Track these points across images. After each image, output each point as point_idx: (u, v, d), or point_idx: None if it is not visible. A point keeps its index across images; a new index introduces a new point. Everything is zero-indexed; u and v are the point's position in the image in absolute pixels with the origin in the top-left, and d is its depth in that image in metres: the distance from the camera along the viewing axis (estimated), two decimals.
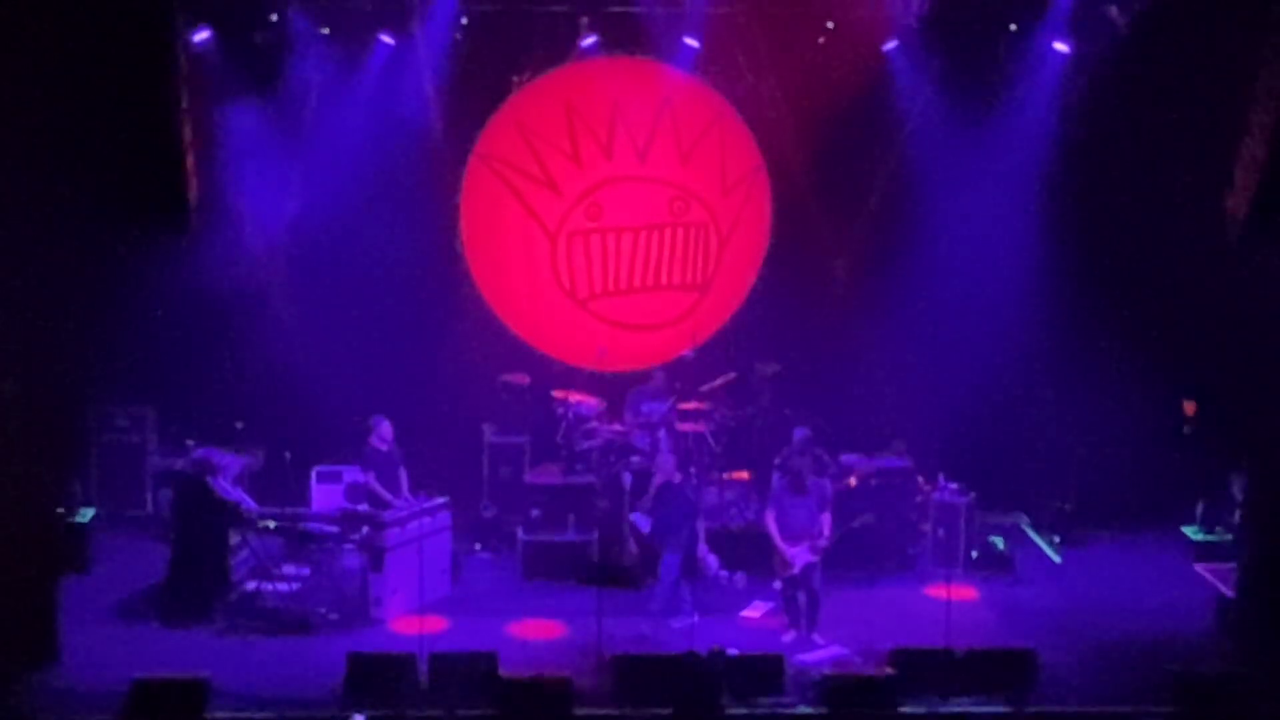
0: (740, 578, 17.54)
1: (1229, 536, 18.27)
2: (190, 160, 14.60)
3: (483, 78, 19.66)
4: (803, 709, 14.35)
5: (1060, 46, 18.65)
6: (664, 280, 20.26)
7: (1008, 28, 18.98)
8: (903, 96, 19.60)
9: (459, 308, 20.18)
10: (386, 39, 18.96)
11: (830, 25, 19.30)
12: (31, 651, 14.76)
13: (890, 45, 19.29)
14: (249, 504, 17.11)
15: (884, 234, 20.04)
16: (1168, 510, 19.05)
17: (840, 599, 16.68)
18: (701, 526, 16.84)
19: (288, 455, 17.52)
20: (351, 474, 18.11)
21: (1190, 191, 16.82)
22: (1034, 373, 19.75)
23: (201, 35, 17.77)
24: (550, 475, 18.83)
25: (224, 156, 18.44)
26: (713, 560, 17.38)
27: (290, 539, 17.01)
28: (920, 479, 18.64)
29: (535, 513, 18.24)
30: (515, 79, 19.81)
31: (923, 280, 19.48)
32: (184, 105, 14.43)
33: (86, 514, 18.12)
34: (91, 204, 14.11)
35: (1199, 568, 18.00)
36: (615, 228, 20.05)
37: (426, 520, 16.95)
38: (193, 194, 14.79)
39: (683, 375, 19.44)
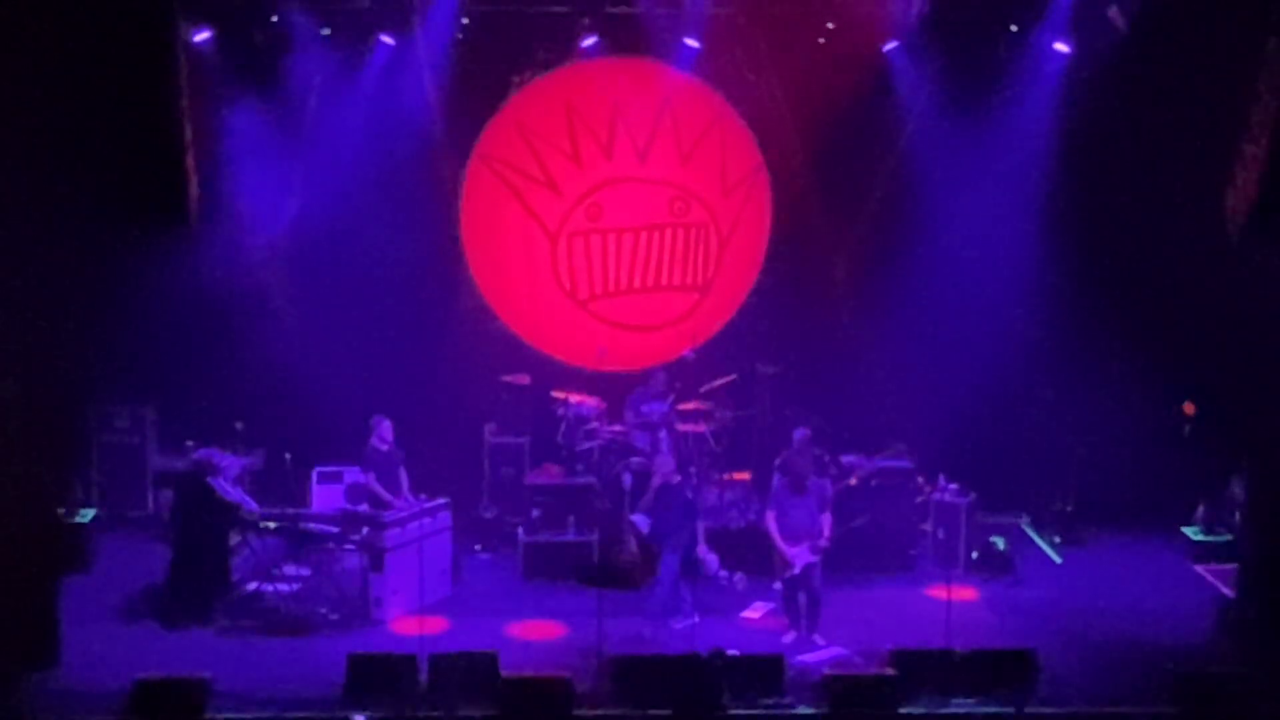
0: (740, 578, 17.55)
1: (1229, 537, 18.27)
2: (190, 160, 14.60)
3: (483, 78, 19.66)
4: (803, 709, 14.34)
5: (1060, 47, 18.65)
6: (664, 281, 20.27)
7: (1008, 28, 18.99)
8: (903, 97, 19.61)
9: (459, 308, 20.18)
10: (387, 39, 18.96)
11: (830, 26, 19.30)
12: (32, 652, 14.73)
13: (890, 46, 19.30)
14: (249, 504, 17.11)
15: (884, 234, 20.04)
16: (1168, 511, 19.05)
17: (841, 599, 16.67)
18: (701, 526, 16.84)
19: (288, 456, 17.54)
20: (352, 474, 18.11)
21: (1190, 191, 16.81)
22: (1034, 373, 19.75)
23: (202, 35, 17.78)
24: (550, 476, 18.84)
25: (224, 156, 18.44)
26: (712, 559, 17.38)
27: (291, 539, 16.99)
28: (920, 479, 18.64)
29: (535, 513, 18.23)
30: (515, 79, 19.81)
31: (923, 280, 19.49)
32: (184, 105, 14.43)
33: (87, 514, 18.12)
34: (91, 204, 14.09)
35: (1199, 568, 18.01)
36: (615, 228, 20.05)
37: (427, 521, 16.96)
38: (193, 194, 14.79)
39: (683, 376, 19.45)
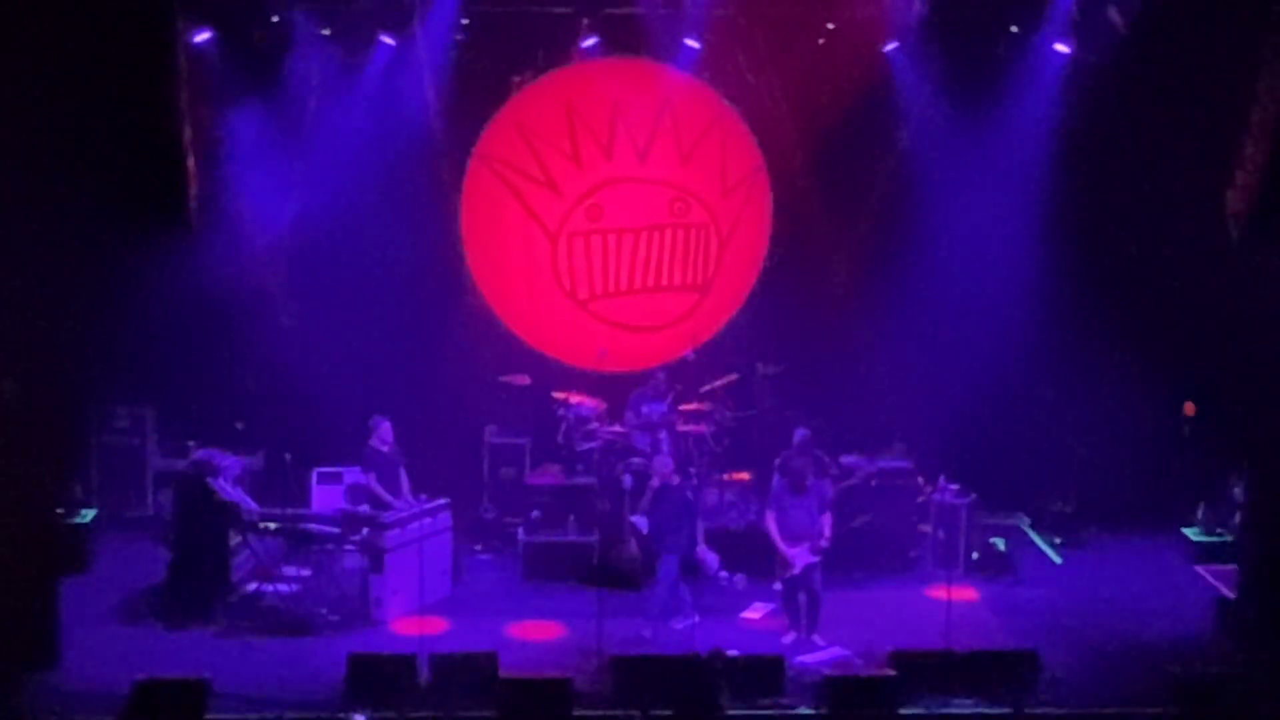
0: (741, 579, 17.54)
1: (1229, 538, 18.27)
2: (191, 160, 14.60)
3: (483, 78, 19.66)
4: (803, 710, 14.33)
5: (1060, 47, 18.65)
6: (664, 281, 20.26)
7: (1008, 29, 19.00)
8: (903, 97, 19.61)
9: (459, 308, 20.18)
10: (387, 39, 18.96)
11: (830, 26, 19.31)
12: (32, 652, 14.75)
13: (891, 46, 19.29)
14: (249, 505, 17.10)
15: (884, 234, 20.04)
16: (1168, 511, 19.06)
17: (841, 600, 16.65)
18: (700, 527, 16.83)
19: (288, 456, 17.52)
20: (352, 475, 18.09)
21: (1190, 191, 16.81)
22: (1034, 373, 19.76)
23: (202, 35, 17.78)
24: (551, 476, 18.84)
25: (225, 157, 18.46)
26: (712, 558, 17.36)
27: (291, 540, 16.99)
28: (920, 480, 18.63)
29: (536, 514, 18.25)
30: (516, 80, 19.81)
31: (923, 280, 19.49)
32: (184, 105, 14.43)
33: (87, 515, 18.13)
34: (91, 204, 14.10)
35: (1199, 569, 18.01)
36: (616, 229, 20.05)
37: (427, 521, 16.95)
38: (193, 194, 14.79)
39: (683, 376, 19.45)
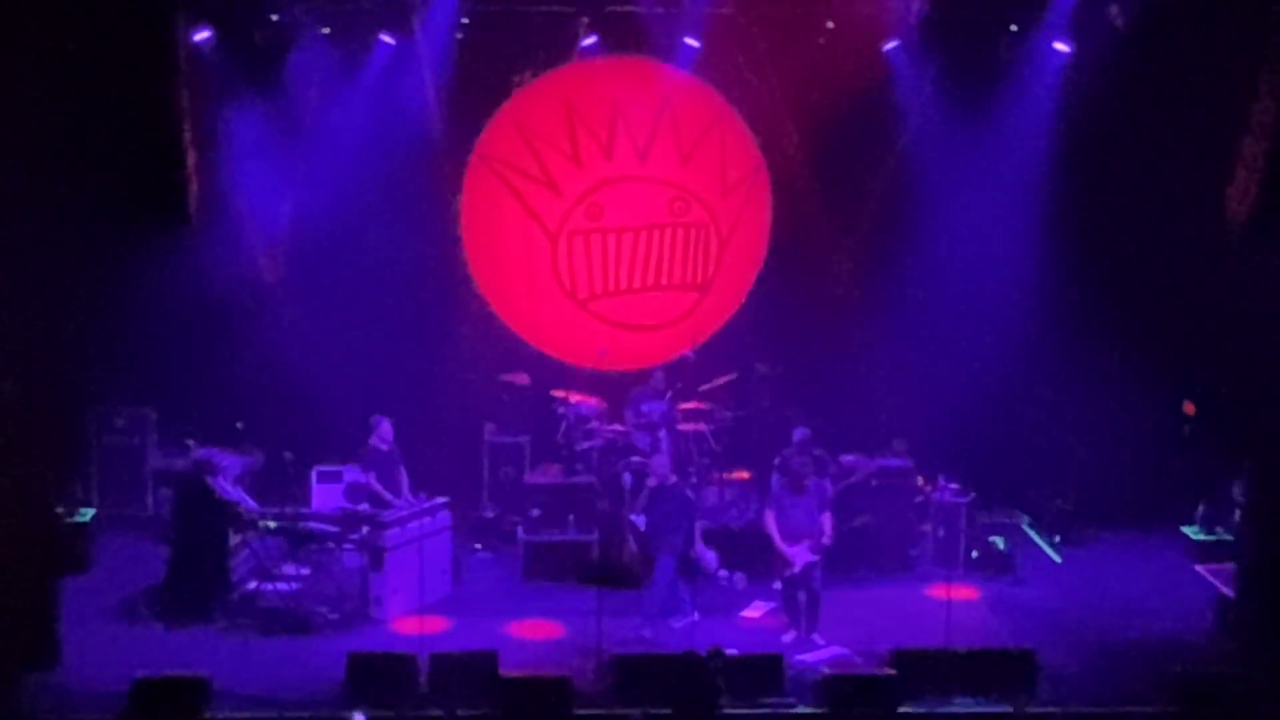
0: (740, 578, 17.55)
1: (1229, 537, 18.26)
2: (190, 160, 14.61)
3: (483, 78, 19.65)
4: (802, 709, 14.35)
5: (1060, 46, 18.66)
6: (664, 280, 20.26)
7: (1008, 28, 18.98)
8: (903, 96, 19.60)
9: (459, 308, 20.18)
10: (387, 39, 18.96)
11: (830, 25, 19.29)
12: (32, 651, 14.74)
13: (890, 45, 19.30)
14: (249, 504, 17.11)
15: (884, 233, 20.04)
16: (1168, 510, 19.05)
17: (840, 599, 16.66)
18: (699, 526, 16.83)
19: (288, 455, 17.53)
20: (352, 474, 18.10)
21: (1190, 191, 16.81)
22: (1034, 373, 19.74)
23: (202, 35, 17.77)
24: (550, 475, 18.85)
25: (224, 156, 18.44)
26: (711, 557, 17.37)
27: (290, 539, 16.99)
28: (920, 479, 18.64)
29: (535, 512, 18.25)
30: (515, 79, 19.80)
31: (922, 279, 19.51)
32: (184, 105, 14.44)
33: (87, 514, 18.12)
34: (91, 203, 14.11)
35: (1199, 568, 17.98)
36: (615, 228, 20.04)
37: (427, 520, 16.95)
38: (193, 193, 14.81)
39: (683, 375, 19.44)
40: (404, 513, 16.86)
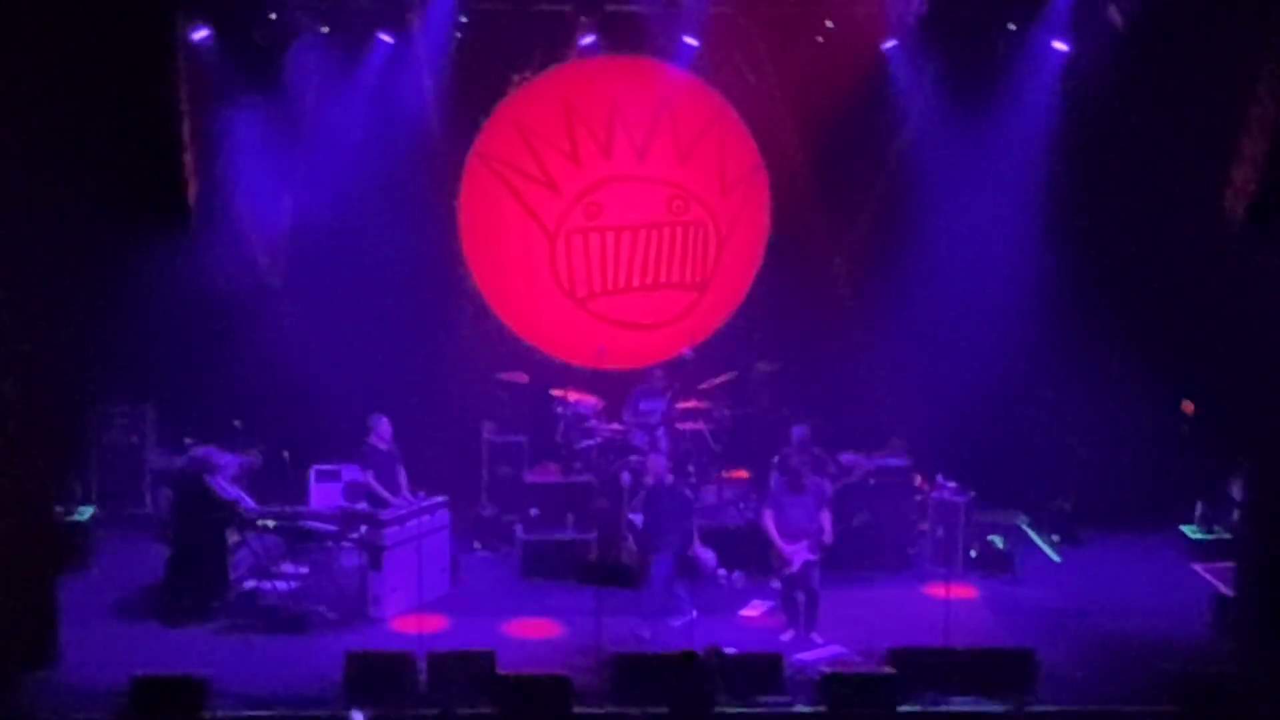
0: (739, 577, 17.55)
1: (1228, 536, 18.28)
2: (189, 159, 14.60)
3: (482, 77, 19.66)
4: (801, 708, 14.34)
5: (1059, 45, 18.66)
6: (663, 279, 20.26)
7: (1006, 27, 19.00)
8: (902, 96, 19.63)
9: (458, 307, 20.18)
10: (385, 38, 18.97)
11: (829, 24, 19.31)
12: (31, 650, 14.75)
13: (889, 44, 19.31)
14: (248, 503, 17.10)
15: (883, 232, 20.05)
16: (1167, 510, 19.06)
17: (839, 598, 16.66)
18: (696, 525, 16.83)
19: (286, 454, 17.54)
20: (350, 472, 18.11)
21: (1190, 191, 16.80)
22: (1034, 372, 19.75)
23: (200, 34, 17.76)
24: (549, 474, 18.86)
25: (223, 155, 18.45)
26: (709, 556, 17.35)
27: (289, 538, 16.98)
28: (918, 478, 18.64)
29: (534, 511, 18.26)
30: (514, 78, 19.81)
31: (921, 279, 19.50)
32: (183, 104, 14.43)
33: (85, 513, 18.12)
34: (90, 202, 14.10)
35: (1198, 567, 18.01)
36: (614, 227, 20.04)
37: (425, 519, 16.95)
38: (192, 193, 14.79)
39: (682, 374, 19.45)
40: (402, 511, 16.86)
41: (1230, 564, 17.04)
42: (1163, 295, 18.53)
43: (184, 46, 16.03)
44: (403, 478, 17.58)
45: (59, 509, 17.13)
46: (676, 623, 16.08)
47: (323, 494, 18.48)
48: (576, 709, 14.03)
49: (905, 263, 19.50)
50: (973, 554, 18.13)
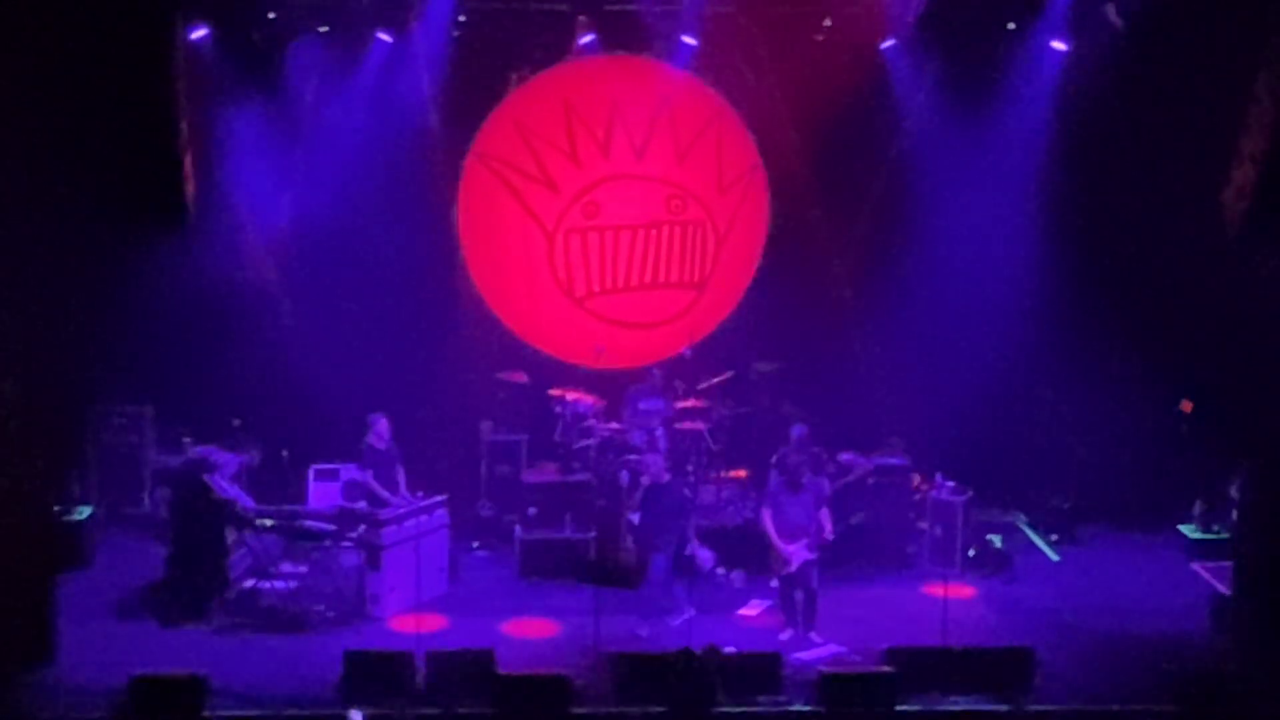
0: (738, 576, 17.56)
1: (1226, 535, 18.27)
2: (188, 158, 14.60)
3: (480, 76, 19.65)
4: (800, 707, 14.36)
5: (1058, 45, 18.66)
6: (661, 278, 20.24)
7: (1005, 26, 18.99)
8: (900, 95, 19.62)
9: (456, 306, 20.18)
10: (384, 37, 18.96)
11: (828, 24, 19.30)
12: (29, 649, 14.76)
13: (888, 44, 19.31)
14: (246, 502, 17.11)
15: (882, 233, 20.05)
16: (1165, 509, 19.06)
17: (837, 597, 16.67)
18: (693, 524, 16.82)
19: (285, 453, 17.56)
20: (349, 472, 18.10)
21: (1189, 191, 16.81)
22: (1033, 372, 19.76)
23: (199, 33, 17.75)
24: (548, 473, 18.84)
25: (222, 154, 18.44)
26: (707, 555, 17.36)
27: (288, 537, 17.01)
28: (917, 477, 18.64)
29: (533, 511, 18.23)
30: (513, 77, 19.80)
31: (921, 279, 19.49)
32: (181, 103, 14.43)
33: (84, 512, 18.10)
34: (89, 202, 14.10)
35: (1196, 566, 18.00)
36: (613, 226, 20.01)
37: (424, 518, 16.95)
38: (190, 192, 14.79)
39: (680, 373, 19.44)
40: (401, 511, 16.87)
41: (1229, 563, 17.04)
42: (1162, 295, 18.55)
43: (183, 46, 16.01)
44: (401, 477, 17.59)
45: (58, 508, 17.13)
46: (675, 622, 16.08)
47: (321, 493, 18.45)
48: (575, 708, 14.05)
49: (904, 262, 19.50)
50: (971, 553, 18.12)
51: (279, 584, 16.71)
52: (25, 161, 13.81)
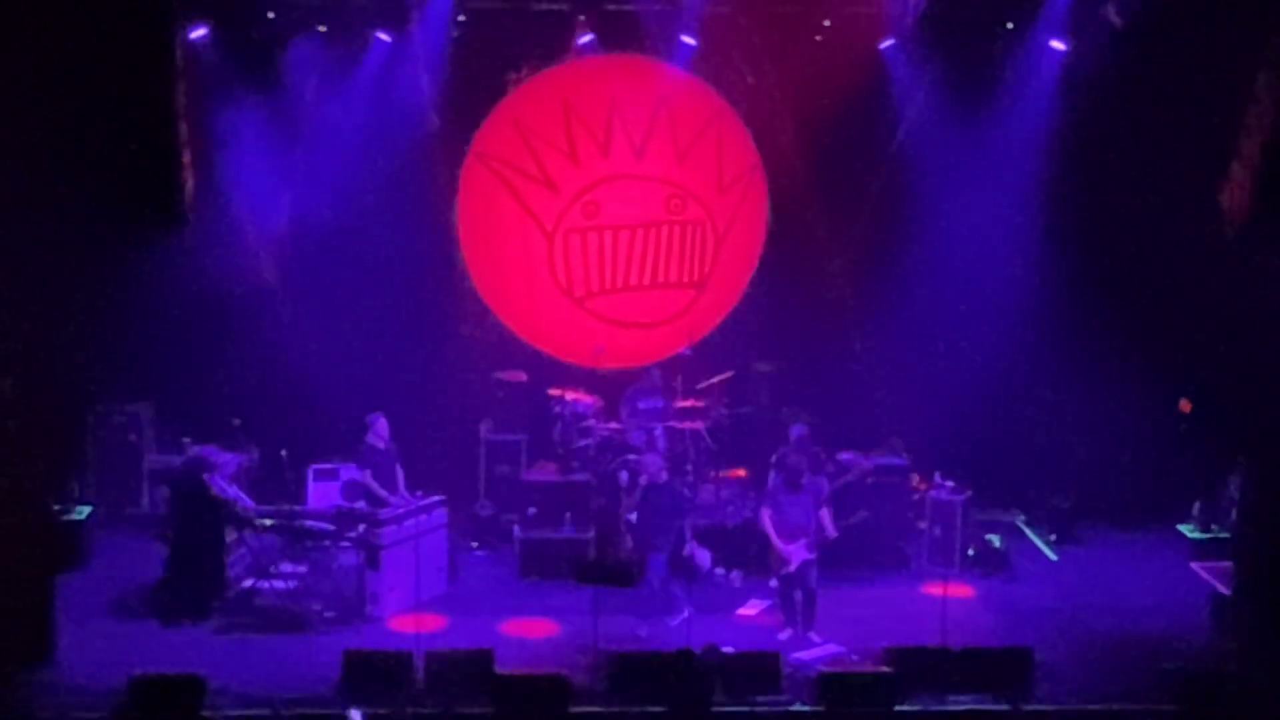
0: (737, 575, 17.56)
1: (1225, 535, 18.28)
2: (186, 157, 14.60)
3: (480, 76, 19.63)
4: (799, 707, 14.35)
5: (1057, 45, 18.66)
6: (661, 278, 20.22)
7: (1004, 26, 18.99)
8: (900, 95, 19.61)
9: (456, 306, 20.17)
10: (383, 36, 18.95)
11: (827, 24, 19.29)
12: (28, 649, 14.76)
13: (887, 44, 19.31)
14: (246, 502, 17.11)
15: (881, 232, 20.05)
16: (1164, 508, 19.07)
17: (837, 597, 16.67)
18: (690, 525, 16.80)
19: (284, 453, 17.53)
20: (348, 471, 18.09)
21: (1189, 191, 16.82)
22: (1032, 372, 19.76)
23: (199, 32, 17.75)
24: (547, 473, 18.84)
25: (221, 154, 18.43)
26: (704, 556, 17.36)
27: (287, 537, 17.00)
28: (916, 477, 18.64)
29: (532, 510, 18.24)
30: (512, 77, 19.78)
31: (920, 278, 19.50)
32: (180, 102, 14.43)
33: (83, 511, 18.09)
34: (88, 201, 14.11)
35: (1195, 566, 18.00)
36: (612, 226, 19.99)
37: (423, 518, 16.95)
38: (189, 191, 14.79)
39: (680, 373, 19.44)
40: (400, 510, 16.87)
41: (1228, 563, 17.05)
42: (1162, 295, 18.55)
43: (182, 45, 16.02)
44: (401, 477, 17.57)
45: (57, 508, 17.13)
46: (674, 621, 16.08)
47: (321, 493, 18.47)
48: (574, 708, 14.04)
49: (904, 262, 19.50)
50: (970, 553, 18.13)
51: (278, 584, 16.71)
52: (25, 161, 13.81)
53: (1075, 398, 19.47)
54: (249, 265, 19.45)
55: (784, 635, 16.05)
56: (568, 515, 18.10)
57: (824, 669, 14.64)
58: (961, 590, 17.25)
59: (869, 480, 18.26)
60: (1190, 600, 17.05)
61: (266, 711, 14.00)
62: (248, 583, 16.81)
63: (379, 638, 15.60)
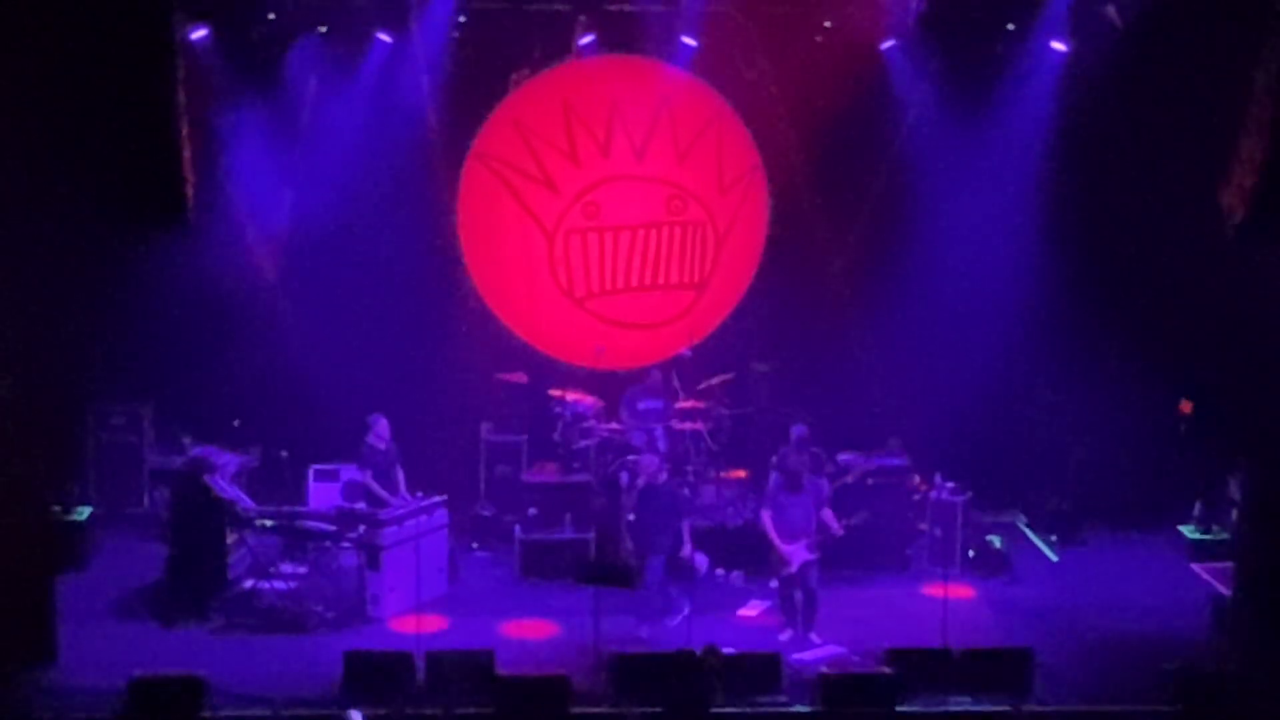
0: (737, 576, 17.55)
1: (1226, 535, 18.28)
2: (187, 158, 14.59)
3: (480, 76, 19.63)
4: (799, 708, 14.36)
5: (1058, 45, 18.65)
6: (661, 279, 20.24)
7: (1005, 27, 18.96)
8: (900, 96, 19.59)
9: (456, 306, 20.17)
10: (384, 37, 18.94)
11: (828, 24, 19.28)
12: (29, 650, 14.76)
13: (888, 44, 19.29)
14: (246, 502, 17.11)
15: (881, 233, 20.03)
16: (1165, 509, 19.07)
17: (837, 598, 16.67)
18: (688, 526, 16.79)
19: (285, 454, 17.52)
20: (349, 472, 18.08)
21: (1189, 191, 16.80)
22: (1032, 372, 19.76)
23: (199, 33, 17.73)
24: (547, 474, 18.84)
25: (222, 154, 18.43)
26: (702, 560, 17.34)
27: (287, 537, 16.99)
28: (917, 478, 18.63)
29: (532, 511, 18.24)
30: (513, 77, 19.78)
31: (920, 279, 19.47)
32: (181, 103, 14.41)
33: (83, 512, 18.09)
34: (88, 202, 14.10)
35: (1196, 567, 18.01)
36: (612, 226, 20.02)
37: (424, 518, 16.94)
38: (190, 192, 14.78)
39: (680, 374, 19.44)
40: (401, 511, 16.86)
41: (1229, 564, 17.05)
42: (1162, 295, 18.56)
43: (183, 46, 16.00)
44: (401, 477, 17.56)
45: (57, 508, 17.14)
46: (672, 622, 16.07)
47: (321, 494, 18.45)
48: (574, 709, 14.04)
49: (904, 262, 19.48)
50: (971, 554, 18.13)
51: (278, 584, 16.69)
52: (25, 161, 13.81)
53: (1075, 398, 19.46)
54: (249, 265, 19.45)
55: (784, 636, 16.05)
56: (568, 516, 18.10)
57: (825, 670, 14.63)
58: (962, 591, 17.25)
59: (869, 481, 18.25)
60: (1190, 601, 17.04)
61: (266, 712, 14.00)
62: (248, 583, 16.79)
63: (379, 638, 15.60)
